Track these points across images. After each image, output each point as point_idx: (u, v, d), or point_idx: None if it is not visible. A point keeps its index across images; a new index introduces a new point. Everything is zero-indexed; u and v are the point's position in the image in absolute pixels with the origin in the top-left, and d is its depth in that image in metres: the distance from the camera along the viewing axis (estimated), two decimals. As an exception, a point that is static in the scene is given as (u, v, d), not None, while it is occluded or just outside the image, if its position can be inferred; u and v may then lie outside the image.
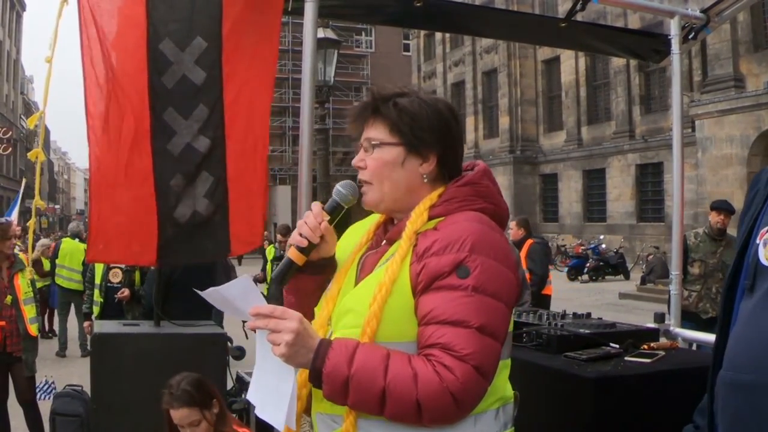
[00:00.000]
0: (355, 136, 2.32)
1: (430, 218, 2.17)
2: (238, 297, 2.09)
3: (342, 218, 2.34)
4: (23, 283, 6.96)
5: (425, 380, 1.91)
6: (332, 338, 2.05)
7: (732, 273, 1.87)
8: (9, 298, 6.93)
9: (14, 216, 14.93)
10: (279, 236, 12.31)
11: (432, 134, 2.21)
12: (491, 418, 2.11)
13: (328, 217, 2.26)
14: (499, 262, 2.05)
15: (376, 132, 2.23)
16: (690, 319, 7.54)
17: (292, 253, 2.22)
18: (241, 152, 4.92)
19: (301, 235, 2.21)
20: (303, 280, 2.30)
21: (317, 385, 1.99)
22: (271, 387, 2.11)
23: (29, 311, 6.81)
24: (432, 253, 2.05)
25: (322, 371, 1.95)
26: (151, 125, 4.84)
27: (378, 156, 2.22)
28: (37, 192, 5.50)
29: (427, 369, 1.93)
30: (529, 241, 10.23)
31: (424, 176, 2.23)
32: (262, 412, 2.17)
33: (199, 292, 2.16)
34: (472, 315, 1.96)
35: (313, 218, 2.22)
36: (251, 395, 2.23)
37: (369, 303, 2.04)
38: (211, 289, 2.15)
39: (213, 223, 4.97)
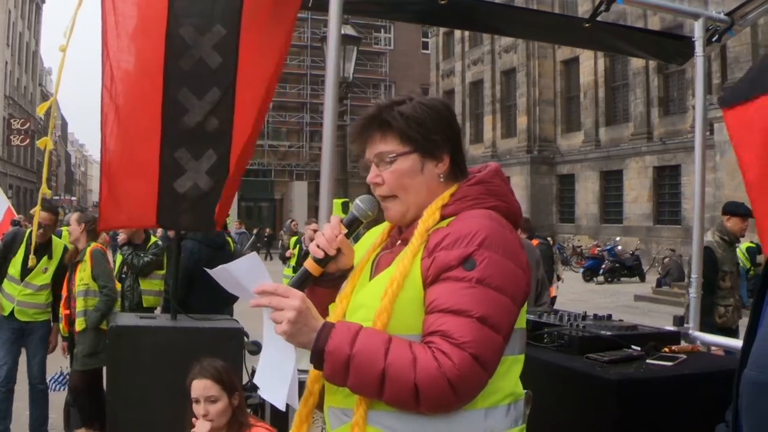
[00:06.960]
0: (360, 153, 2.33)
1: (442, 217, 2.19)
2: (245, 274, 2.11)
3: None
4: (79, 275, 6.90)
5: (423, 365, 1.93)
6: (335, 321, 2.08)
7: (763, 277, 1.88)
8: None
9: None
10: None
11: (439, 134, 2.24)
12: (502, 413, 2.12)
13: (346, 231, 2.29)
14: (507, 258, 2.07)
15: (387, 145, 2.24)
16: (728, 334, 6.83)
17: (308, 264, 2.25)
18: (242, 138, 5.09)
19: (318, 246, 2.25)
20: (324, 293, 2.32)
21: (318, 365, 2.01)
22: (275, 367, 2.13)
23: (78, 304, 6.77)
24: (442, 248, 2.08)
25: (324, 349, 1.97)
26: (163, 104, 5.05)
27: (395, 168, 2.23)
28: (44, 180, 5.54)
29: (426, 354, 1.95)
30: (535, 242, 10.11)
31: (441, 176, 2.26)
32: (264, 391, 2.20)
33: (209, 271, 2.17)
34: (474, 305, 1.98)
35: (330, 230, 2.26)
36: (257, 377, 2.24)
37: (380, 297, 2.07)
38: (220, 267, 2.16)
39: (209, 198, 5.18)
